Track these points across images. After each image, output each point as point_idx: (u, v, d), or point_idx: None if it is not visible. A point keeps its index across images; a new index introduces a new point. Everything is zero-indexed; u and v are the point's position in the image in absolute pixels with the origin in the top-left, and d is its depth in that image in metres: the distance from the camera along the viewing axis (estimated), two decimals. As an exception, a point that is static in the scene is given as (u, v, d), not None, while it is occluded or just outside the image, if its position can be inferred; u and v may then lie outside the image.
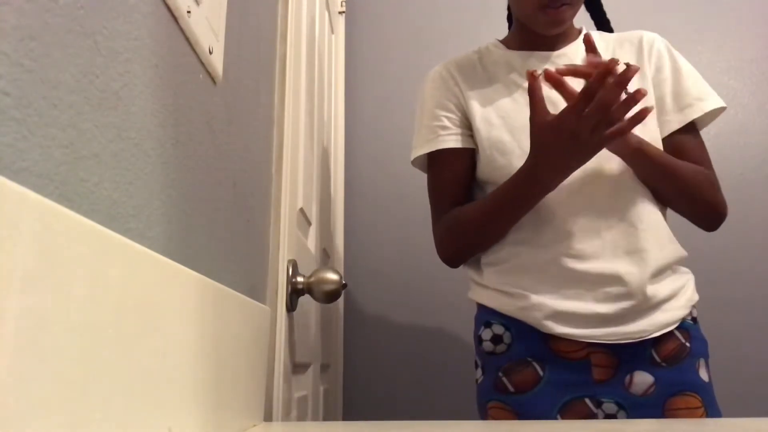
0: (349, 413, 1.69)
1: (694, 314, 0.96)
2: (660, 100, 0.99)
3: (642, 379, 0.89)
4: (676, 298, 0.93)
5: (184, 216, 0.53)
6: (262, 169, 0.86)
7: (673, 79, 0.99)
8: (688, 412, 0.87)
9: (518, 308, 0.93)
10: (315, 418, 1.19)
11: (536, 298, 0.91)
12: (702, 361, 0.92)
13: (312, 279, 0.94)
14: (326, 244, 1.46)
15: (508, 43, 1.08)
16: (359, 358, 1.75)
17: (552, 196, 0.92)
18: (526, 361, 0.92)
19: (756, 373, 1.64)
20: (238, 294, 0.60)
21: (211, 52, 0.59)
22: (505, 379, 0.92)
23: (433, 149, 1.02)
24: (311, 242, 1.21)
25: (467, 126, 1.02)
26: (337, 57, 1.82)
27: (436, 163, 1.04)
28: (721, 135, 1.81)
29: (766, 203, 1.77)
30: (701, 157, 0.97)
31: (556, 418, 0.87)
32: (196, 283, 0.47)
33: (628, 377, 0.89)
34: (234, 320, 0.58)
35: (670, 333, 0.91)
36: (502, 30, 2.03)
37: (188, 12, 0.53)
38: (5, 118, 0.28)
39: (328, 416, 1.44)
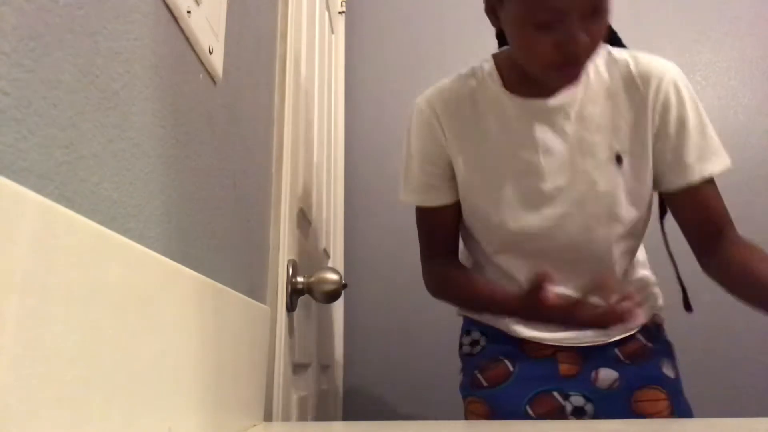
0: (349, 413, 1.69)
1: (658, 321, 1.00)
2: (660, 153, 0.89)
3: (607, 375, 0.93)
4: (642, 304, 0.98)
5: (184, 216, 0.53)
6: (262, 169, 0.86)
7: (677, 133, 0.89)
8: (652, 404, 0.90)
9: (493, 318, 0.99)
10: (315, 418, 1.19)
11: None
12: (665, 361, 0.96)
13: (312, 279, 0.94)
14: (326, 244, 1.46)
15: (504, 73, 0.93)
16: (359, 358, 1.74)
17: (528, 266, 0.93)
18: (498, 358, 0.96)
19: (756, 373, 1.64)
20: (238, 294, 0.60)
21: (211, 52, 0.59)
22: (480, 376, 0.97)
23: (423, 205, 0.98)
24: (311, 242, 1.21)
25: (453, 177, 0.97)
26: (337, 57, 1.82)
27: (424, 211, 1.00)
28: (721, 135, 1.80)
29: (766, 203, 1.77)
30: (721, 213, 0.90)
31: (525, 410, 0.90)
32: (196, 283, 0.47)
33: (593, 373, 0.93)
34: (234, 320, 0.58)
35: (633, 335, 0.95)
36: (502, 30, 2.04)
37: (188, 12, 0.53)
38: (5, 118, 0.28)
39: (328, 416, 1.44)
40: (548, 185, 0.89)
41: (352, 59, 1.94)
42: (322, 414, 1.33)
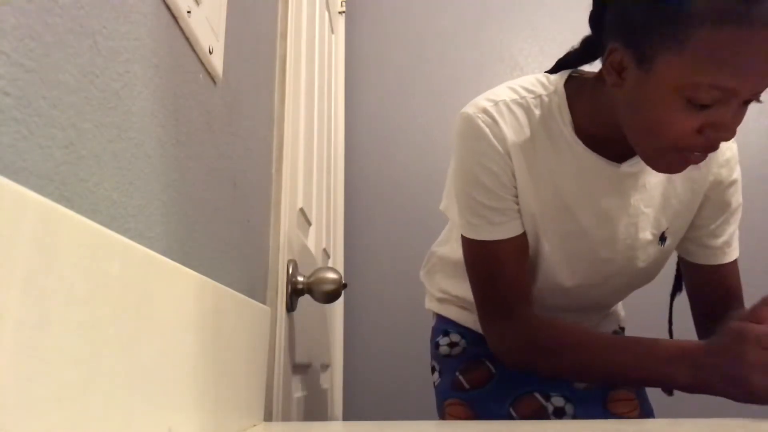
0: (349, 413, 1.69)
1: (622, 325, 1.07)
2: (696, 229, 0.89)
3: None
4: (607, 321, 1.03)
5: (184, 216, 0.53)
6: (262, 169, 0.86)
7: (719, 215, 0.88)
8: (625, 404, 0.94)
9: (474, 320, 0.95)
10: (315, 418, 1.19)
11: None
12: None
13: (312, 279, 0.94)
14: (326, 244, 1.46)
15: (576, 118, 0.80)
16: (359, 358, 1.74)
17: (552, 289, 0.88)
18: (480, 360, 0.95)
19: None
20: (238, 294, 0.60)
21: (211, 52, 0.59)
22: (461, 378, 0.95)
23: (496, 238, 0.82)
24: (311, 242, 1.21)
25: (517, 203, 0.84)
26: (337, 57, 1.82)
27: (493, 249, 0.82)
28: (721, 135, 1.81)
29: (766, 203, 1.77)
30: (738, 293, 0.92)
31: (508, 411, 0.90)
32: (196, 283, 0.47)
33: None
34: (234, 320, 0.58)
35: None
36: (504, 30, 2.04)
37: (188, 12, 0.53)
38: (5, 118, 0.28)
39: (328, 416, 1.44)
40: (591, 254, 0.85)
41: (352, 59, 1.94)
42: (322, 414, 1.33)
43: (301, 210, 1.07)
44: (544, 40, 1.96)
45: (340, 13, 1.86)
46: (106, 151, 0.38)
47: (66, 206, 0.29)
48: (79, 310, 0.29)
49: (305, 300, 0.99)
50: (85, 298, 0.29)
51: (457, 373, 0.96)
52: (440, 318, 1.04)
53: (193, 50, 0.56)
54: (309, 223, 1.19)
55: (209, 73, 0.60)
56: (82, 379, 0.29)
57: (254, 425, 0.67)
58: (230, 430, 0.56)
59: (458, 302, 1.00)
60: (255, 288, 0.79)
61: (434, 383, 1.02)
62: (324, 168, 1.43)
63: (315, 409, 1.21)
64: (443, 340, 1.01)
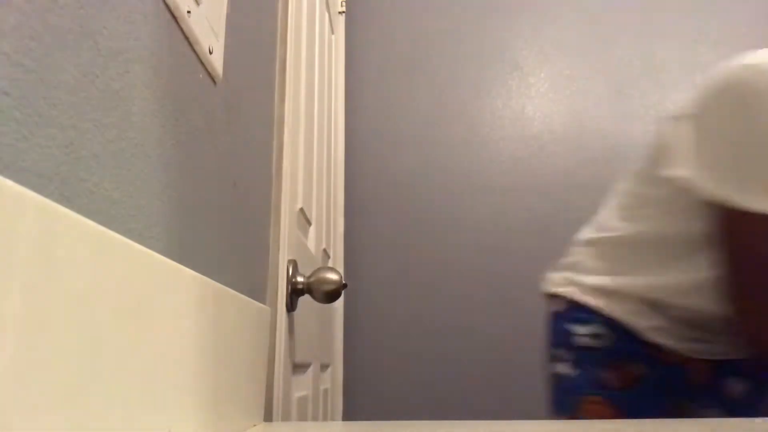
0: (349, 413, 1.69)
1: None
2: None
3: (737, 387, 0.88)
4: None
5: (184, 216, 0.53)
6: (262, 169, 0.86)
7: None
8: None
9: (629, 312, 0.89)
10: (315, 418, 1.20)
11: (651, 319, 0.89)
12: None
13: (312, 279, 0.94)
14: (326, 244, 1.46)
15: None
16: (359, 358, 1.75)
17: None
18: (630, 358, 0.89)
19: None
20: (238, 294, 0.60)
21: (211, 52, 0.59)
22: (608, 374, 0.89)
23: None
24: (311, 242, 1.21)
25: None
26: (337, 57, 1.83)
27: None
28: (721, 135, 1.81)
29: None
30: None
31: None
32: (196, 283, 0.47)
33: (723, 383, 0.89)
34: (234, 320, 0.58)
35: None
36: (503, 29, 2.04)
37: (188, 12, 0.53)
38: (5, 118, 0.28)
39: (328, 416, 1.44)
40: None
41: (352, 59, 1.94)
42: (322, 414, 1.33)
43: (301, 210, 1.07)
44: (544, 40, 1.96)
45: (340, 13, 1.86)
46: (106, 151, 0.38)
47: (66, 206, 0.29)
48: (78, 310, 0.29)
49: (305, 300, 0.99)
50: (85, 298, 0.29)
51: (603, 368, 0.89)
52: (574, 307, 0.94)
53: (193, 50, 0.56)
54: (309, 223, 1.19)
55: (209, 73, 0.60)
56: (82, 379, 0.29)
57: (254, 425, 0.67)
58: (230, 430, 0.56)
59: (620, 293, 0.91)
60: (255, 288, 0.79)
61: (558, 374, 0.94)
62: (324, 168, 1.43)
63: (315, 409, 1.21)
64: (582, 329, 0.92)
